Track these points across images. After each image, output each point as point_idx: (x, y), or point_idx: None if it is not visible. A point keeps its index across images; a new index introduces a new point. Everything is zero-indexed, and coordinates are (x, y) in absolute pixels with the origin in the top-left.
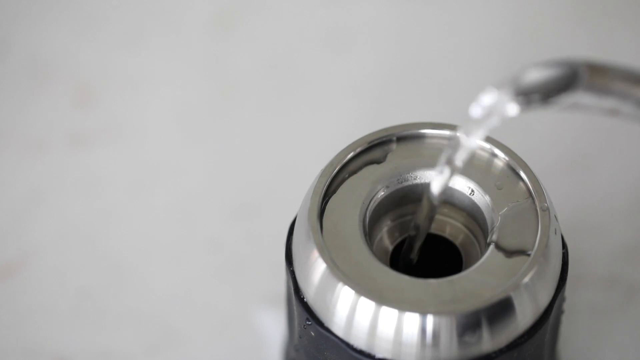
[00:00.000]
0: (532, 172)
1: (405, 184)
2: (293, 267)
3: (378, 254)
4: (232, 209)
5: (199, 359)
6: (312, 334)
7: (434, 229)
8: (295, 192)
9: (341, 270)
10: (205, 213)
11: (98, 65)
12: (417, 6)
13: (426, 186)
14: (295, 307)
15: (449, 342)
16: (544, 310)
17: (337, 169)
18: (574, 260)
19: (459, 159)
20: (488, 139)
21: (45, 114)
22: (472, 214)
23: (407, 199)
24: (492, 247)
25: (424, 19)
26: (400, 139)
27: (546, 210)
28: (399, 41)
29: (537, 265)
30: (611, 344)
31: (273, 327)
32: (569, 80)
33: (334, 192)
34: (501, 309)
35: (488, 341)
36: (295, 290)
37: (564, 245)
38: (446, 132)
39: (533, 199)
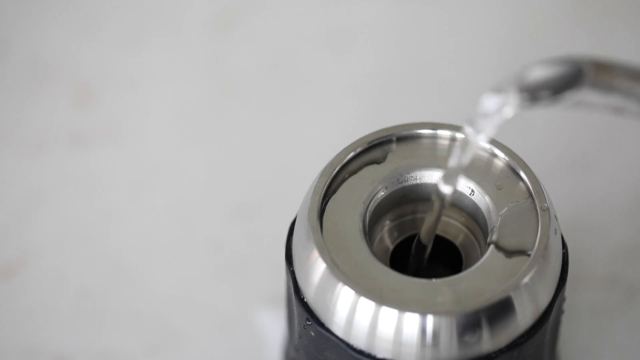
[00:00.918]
0: (532, 172)
1: (405, 184)
2: (293, 267)
3: (378, 254)
4: (232, 209)
5: (199, 359)
6: (312, 334)
7: None
8: (295, 192)
9: (341, 270)
10: (205, 213)
11: (98, 65)
12: (417, 6)
13: (433, 187)
14: (295, 307)
15: (449, 342)
16: (544, 310)
17: (337, 169)
18: (574, 260)
19: (468, 157)
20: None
21: (45, 114)
22: (472, 214)
23: (407, 199)
24: (492, 247)
25: (424, 19)
26: (400, 139)
27: (546, 210)
28: (399, 41)
29: (537, 265)
30: (611, 344)
31: (273, 327)
32: (574, 77)
33: (334, 192)
34: (501, 309)
35: (488, 341)
36: (295, 290)
37: (564, 245)
38: (446, 132)
39: (533, 199)
